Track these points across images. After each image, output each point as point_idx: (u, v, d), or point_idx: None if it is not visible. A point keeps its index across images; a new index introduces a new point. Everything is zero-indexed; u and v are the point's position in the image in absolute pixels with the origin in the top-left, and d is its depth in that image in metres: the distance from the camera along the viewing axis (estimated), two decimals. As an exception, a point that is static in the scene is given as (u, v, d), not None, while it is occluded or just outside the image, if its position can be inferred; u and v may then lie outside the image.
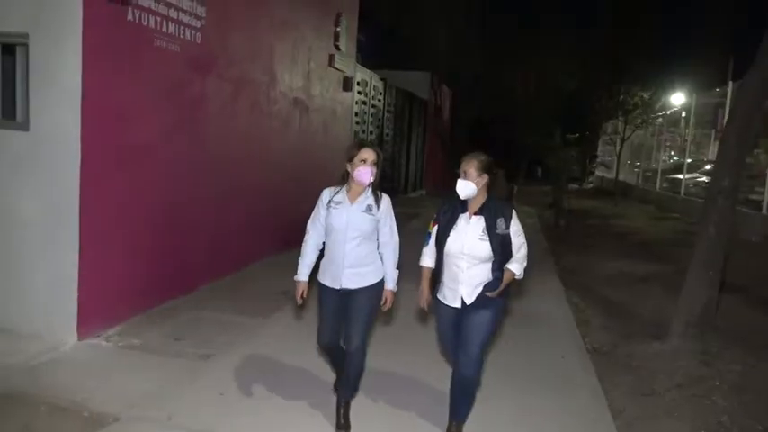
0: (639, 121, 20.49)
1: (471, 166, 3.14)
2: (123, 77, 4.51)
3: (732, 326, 5.08)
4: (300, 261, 3.40)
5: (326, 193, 3.38)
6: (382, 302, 3.38)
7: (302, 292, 3.39)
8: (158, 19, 4.82)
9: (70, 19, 4.03)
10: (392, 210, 3.40)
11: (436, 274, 3.32)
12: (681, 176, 15.94)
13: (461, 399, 3.27)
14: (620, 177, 21.68)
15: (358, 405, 3.49)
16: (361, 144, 3.35)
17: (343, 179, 3.35)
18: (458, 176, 3.19)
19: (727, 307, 5.41)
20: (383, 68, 13.95)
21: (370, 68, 12.48)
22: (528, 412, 3.67)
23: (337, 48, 9.43)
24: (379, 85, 13.01)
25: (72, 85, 4.08)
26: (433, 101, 19.65)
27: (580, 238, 10.73)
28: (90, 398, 3.45)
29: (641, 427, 3.57)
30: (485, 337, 3.19)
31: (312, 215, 3.40)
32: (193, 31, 5.33)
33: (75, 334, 4.25)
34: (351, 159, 3.28)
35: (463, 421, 3.29)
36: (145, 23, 4.66)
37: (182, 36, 5.15)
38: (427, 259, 3.36)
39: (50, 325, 4.24)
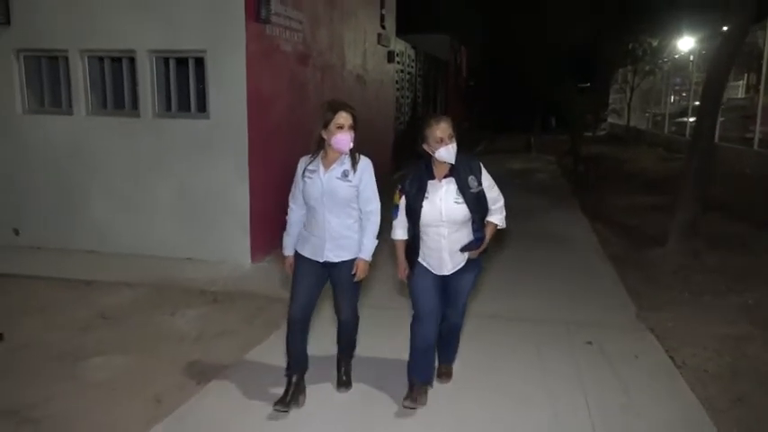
0: (648, 68, 21.74)
1: (450, 128, 3.06)
2: (267, 74, 6.23)
3: (714, 233, 6.81)
4: (285, 236, 3.31)
5: (302, 163, 3.20)
6: (353, 272, 3.17)
7: (290, 265, 3.31)
8: (281, 29, 6.49)
9: (237, 37, 5.74)
10: (372, 173, 3.17)
11: (412, 248, 3.22)
12: (686, 119, 17.39)
13: (450, 343, 3.51)
14: (631, 123, 23.09)
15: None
16: (336, 107, 3.06)
17: (318, 146, 3.13)
18: (423, 142, 3.12)
19: (713, 221, 7.13)
20: (402, 32, 15.28)
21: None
22: (567, 292, 5.44)
23: (383, 27, 11.04)
24: (412, 53, 14.53)
25: (239, 83, 5.82)
26: (453, 62, 21.07)
27: (597, 179, 12.42)
28: (287, 292, 5.29)
29: (647, 296, 5.30)
30: (469, 292, 3.32)
31: (292, 188, 3.27)
32: (298, 34, 7.00)
33: (250, 259, 6.12)
34: (326, 125, 3.04)
35: (453, 362, 3.61)
36: (275, 34, 6.35)
37: (293, 39, 6.84)
38: (399, 231, 3.22)
39: (232, 254, 6.09)
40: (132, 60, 6.15)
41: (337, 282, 3.23)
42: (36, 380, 3.54)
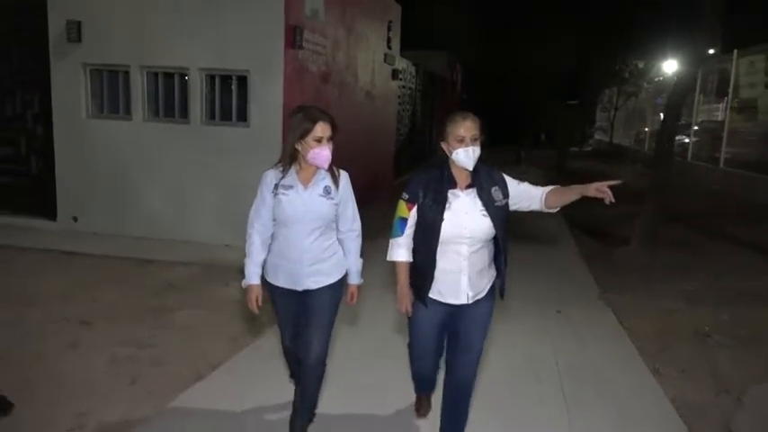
0: (631, 89, 23.14)
1: (477, 129, 2.65)
2: (298, 91, 7.38)
3: (673, 238, 8.02)
4: (248, 261, 2.85)
5: (270, 177, 2.80)
6: (348, 299, 2.93)
7: (257, 298, 2.85)
8: (310, 53, 7.66)
9: (276, 60, 6.89)
10: (352, 188, 2.89)
11: (420, 273, 2.74)
12: (665, 139, 18.72)
13: (458, 409, 2.84)
14: (616, 141, 24.49)
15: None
16: (314, 117, 2.70)
17: (292, 158, 2.77)
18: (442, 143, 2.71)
19: (674, 228, 8.34)
20: (403, 48, 16.38)
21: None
22: (545, 278, 6.61)
23: (389, 47, 12.23)
24: (413, 70, 15.75)
25: (276, 98, 6.97)
26: (449, 78, 22.36)
27: (579, 191, 13.63)
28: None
29: (611, 282, 6.47)
30: (487, 331, 2.81)
31: (255, 203, 2.88)
32: (322, 57, 8.16)
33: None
34: (303, 136, 2.69)
35: None
36: (305, 57, 7.51)
37: (318, 61, 7.99)
38: (403, 251, 2.76)
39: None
40: (184, 76, 7.27)
41: (312, 311, 2.82)
42: (137, 324, 4.64)
